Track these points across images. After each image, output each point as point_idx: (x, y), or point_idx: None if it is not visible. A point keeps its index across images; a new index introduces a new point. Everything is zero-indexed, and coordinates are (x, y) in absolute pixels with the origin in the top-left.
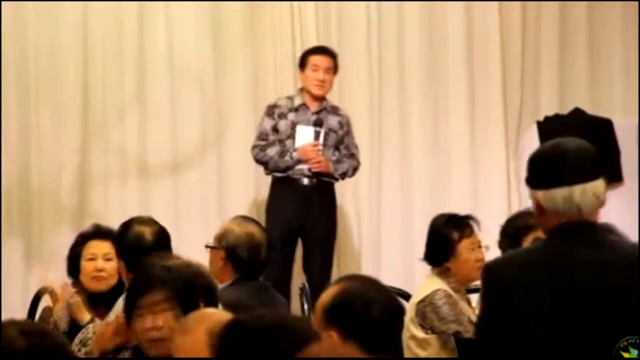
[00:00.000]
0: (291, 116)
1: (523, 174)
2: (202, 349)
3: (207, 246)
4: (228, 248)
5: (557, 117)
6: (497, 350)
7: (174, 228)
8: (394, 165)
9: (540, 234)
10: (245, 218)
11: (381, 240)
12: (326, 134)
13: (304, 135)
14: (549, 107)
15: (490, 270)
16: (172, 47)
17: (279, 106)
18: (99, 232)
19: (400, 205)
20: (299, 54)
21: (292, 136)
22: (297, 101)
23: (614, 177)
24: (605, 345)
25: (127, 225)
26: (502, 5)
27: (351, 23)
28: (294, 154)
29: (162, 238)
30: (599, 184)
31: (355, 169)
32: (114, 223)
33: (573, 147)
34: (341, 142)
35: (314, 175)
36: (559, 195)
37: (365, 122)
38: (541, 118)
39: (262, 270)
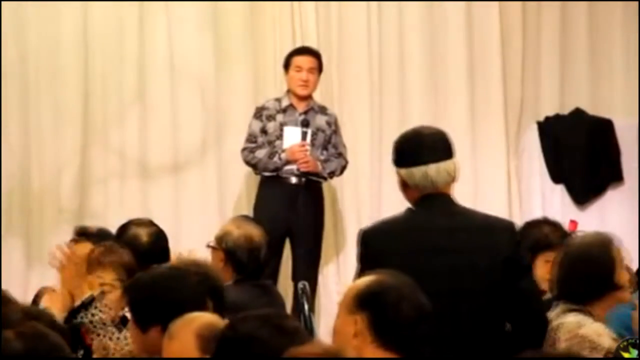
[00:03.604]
0: (279, 117)
1: (523, 173)
2: (192, 352)
3: (208, 246)
4: (227, 250)
5: (557, 118)
6: None
7: (174, 228)
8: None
9: (549, 257)
10: (245, 219)
11: None
12: (314, 134)
13: (292, 136)
14: (550, 107)
15: (365, 236)
16: (173, 47)
17: (266, 108)
18: (84, 234)
19: (401, 206)
20: None
21: (280, 137)
22: (285, 102)
23: (614, 177)
24: (457, 298)
25: (124, 226)
26: (502, 5)
27: (351, 23)
28: (283, 155)
29: (158, 239)
30: (450, 163)
31: (343, 168)
32: (114, 223)
33: (429, 133)
34: (329, 141)
35: (303, 174)
36: (417, 172)
37: (366, 121)
38: (541, 118)
39: (262, 271)
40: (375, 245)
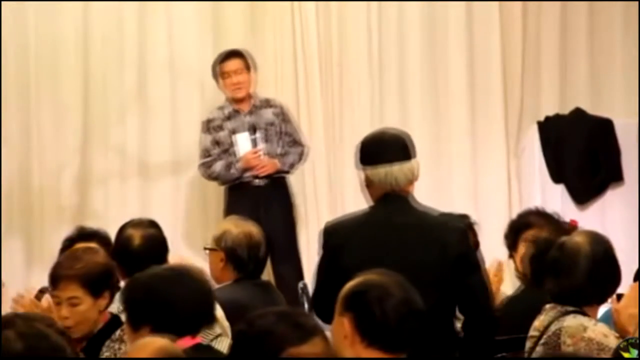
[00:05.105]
0: (227, 125)
1: (523, 173)
2: None
3: (205, 249)
4: (227, 249)
5: (557, 117)
6: (330, 295)
7: (174, 228)
8: None
9: (537, 232)
10: (242, 218)
11: None
12: (265, 130)
13: (243, 143)
14: (549, 107)
15: (327, 231)
16: (173, 47)
17: (212, 120)
18: (83, 235)
19: None
20: (299, 54)
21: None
22: (228, 109)
23: (614, 177)
24: None
25: (122, 227)
26: (502, 5)
27: (351, 23)
28: (238, 165)
29: (151, 243)
30: (412, 163)
31: (302, 154)
32: (114, 223)
33: (392, 135)
34: (281, 132)
35: (265, 175)
36: (380, 171)
37: (366, 122)
38: (541, 118)
39: (262, 268)
40: (335, 239)
